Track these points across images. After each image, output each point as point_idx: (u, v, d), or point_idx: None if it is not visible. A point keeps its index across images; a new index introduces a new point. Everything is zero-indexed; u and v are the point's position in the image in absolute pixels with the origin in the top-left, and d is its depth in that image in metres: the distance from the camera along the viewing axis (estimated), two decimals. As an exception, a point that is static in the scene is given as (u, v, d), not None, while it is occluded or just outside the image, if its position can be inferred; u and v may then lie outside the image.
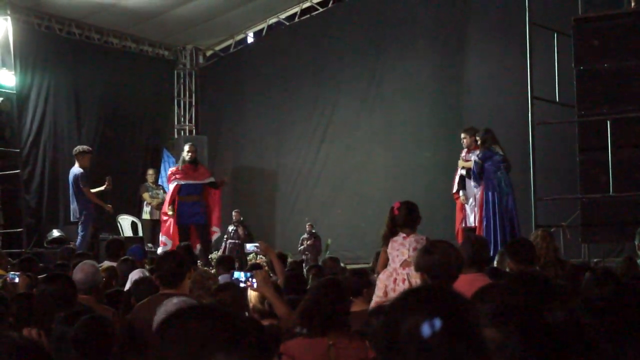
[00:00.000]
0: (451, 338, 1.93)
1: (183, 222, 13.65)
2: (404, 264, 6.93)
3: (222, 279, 8.43)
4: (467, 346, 1.93)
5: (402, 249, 6.98)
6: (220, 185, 14.09)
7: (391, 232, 7.07)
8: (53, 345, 4.12)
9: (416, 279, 6.82)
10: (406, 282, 6.88)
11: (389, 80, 16.95)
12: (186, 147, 13.97)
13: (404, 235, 7.03)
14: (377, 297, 6.79)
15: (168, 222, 13.81)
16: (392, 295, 6.80)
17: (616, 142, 10.58)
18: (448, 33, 16.26)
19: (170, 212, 13.72)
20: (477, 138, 11.88)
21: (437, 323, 1.92)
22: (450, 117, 15.80)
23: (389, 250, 7.06)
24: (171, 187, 13.83)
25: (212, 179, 14.00)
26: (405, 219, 7.05)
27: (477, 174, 11.66)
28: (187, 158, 13.75)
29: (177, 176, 13.70)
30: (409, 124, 16.43)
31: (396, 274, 6.94)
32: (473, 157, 11.96)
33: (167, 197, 14.04)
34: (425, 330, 1.92)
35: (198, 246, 13.61)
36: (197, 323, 2.63)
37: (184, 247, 9.72)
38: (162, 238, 14.01)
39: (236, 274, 5.44)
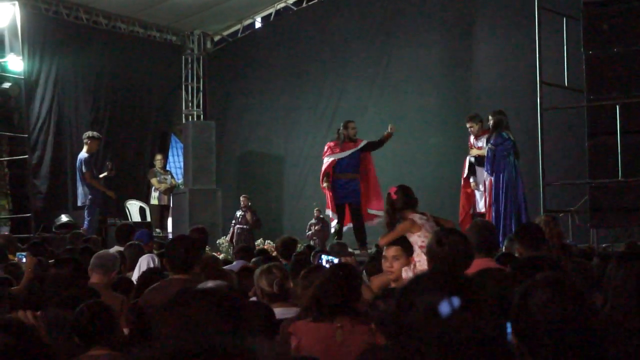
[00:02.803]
0: (470, 314, 1.93)
1: (338, 202, 13.05)
2: None
3: (238, 264, 8.51)
4: (485, 321, 1.94)
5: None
6: (385, 139, 13.11)
7: (392, 218, 7.00)
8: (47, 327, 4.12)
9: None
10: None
11: (397, 66, 16.90)
12: (351, 124, 13.20)
13: (425, 217, 6.89)
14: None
15: (327, 197, 13.26)
16: None
17: (625, 127, 10.55)
18: (456, 18, 16.19)
19: (325, 185, 13.08)
20: (490, 117, 11.76)
21: (455, 300, 1.93)
22: (458, 103, 15.75)
23: (428, 230, 6.88)
24: (327, 160, 13.13)
25: (365, 142, 13.14)
26: (406, 201, 6.98)
27: (491, 162, 11.49)
28: (351, 134, 13.04)
29: (337, 150, 13.04)
30: (416, 110, 16.39)
31: None
32: (487, 144, 11.88)
33: (322, 171, 13.25)
34: (444, 308, 1.93)
35: (344, 228, 13.09)
36: (201, 306, 2.64)
37: (197, 230, 9.75)
38: (328, 212, 13.55)
39: (326, 257, 5.49)
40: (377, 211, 12.83)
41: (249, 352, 1.40)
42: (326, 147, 13.29)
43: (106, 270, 6.26)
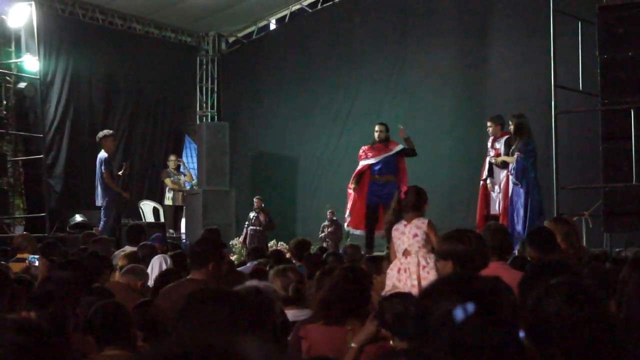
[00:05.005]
0: (484, 321, 1.94)
1: (371, 202, 12.91)
2: (405, 253, 6.95)
3: (251, 265, 8.52)
4: (499, 328, 1.95)
5: (402, 238, 7.01)
6: (409, 146, 13.04)
7: (396, 216, 7.10)
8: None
9: (415, 267, 6.89)
10: (408, 271, 6.89)
11: (412, 68, 16.90)
12: (376, 127, 13.21)
13: (405, 222, 7.03)
14: (387, 287, 6.80)
15: (350, 199, 13.23)
16: (397, 284, 6.82)
17: (640, 131, 10.50)
18: (471, 20, 16.18)
19: (353, 186, 13.09)
20: (510, 122, 11.71)
21: (470, 307, 1.94)
22: (472, 105, 15.74)
23: (393, 239, 7.09)
24: (361, 164, 13.14)
25: (400, 146, 13.09)
26: (413, 202, 7.05)
27: (521, 171, 11.37)
28: (375, 137, 13.09)
29: (370, 154, 13.07)
30: (431, 112, 16.38)
31: (399, 263, 6.96)
32: (505, 147, 11.82)
33: (354, 173, 13.27)
34: (459, 314, 1.94)
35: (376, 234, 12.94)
36: (216, 307, 2.66)
37: (210, 231, 9.78)
38: (346, 214, 13.50)
39: None
40: None
41: (246, 355, 1.41)
42: (361, 151, 13.30)
43: (135, 276, 6.46)
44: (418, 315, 2.05)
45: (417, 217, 7.02)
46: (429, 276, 6.74)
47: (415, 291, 6.53)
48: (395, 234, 7.06)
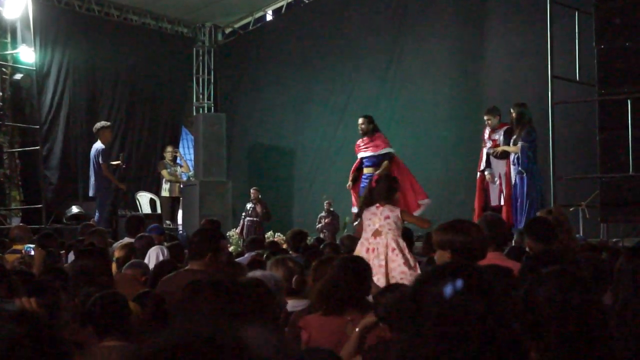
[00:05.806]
0: (471, 296, 1.95)
1: (360, 195, 12.84)
2: (375, 233, 7.04)
3: (249, 256, 8.53)
4: (486, 305, 1.95)
5: (373, 218, 7.13)
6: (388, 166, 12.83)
7: (367, 205, 7.25)
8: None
9: (383, 248, 7.00)
10: (375, 251, 6.97)
11: (409, 59, 16.88)
12: (359, 120, 13.28)
13: (378, 205, 7.16)
14: None
15: (353, 196, 13.35)
16: None
17: (636, 122, 10.49)
18: (468, 11, 16.15)
19: (349, 183, 13.26)
20: (511, 110, 11.71)
21: (459, 283, 1.95)
22: (470, 96, 15.73)
23: (363, 220, 7.25)
24: (358, 157, 13.25)
25: (386, 150, 13.04)
26: (383, 191, 7.19)
27: (526, 160, 11.41)
28: (359, 132, 13.16)
29: (361, 148, 13.18)
30: (428, 103, 16.38)
31: (367, 243, 7.06)
32: (504, 137, 11.81)
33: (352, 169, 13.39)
34: (448, 291, 1.95)
35: None
36: (214, 297, 2.67)
37: (212, 222, 9.79)
38: (353, 208, 13.50)
39: None
40: (422, 200, 12.64)
41: (242, 345, 1.41)
42: (356, 145, 13.33)
43: (141, 269, 6.62)
44: (410, 302, 2.05)
45: (389, 204, 7.19)
46: (397, 258, 6.93)
47: (382, 271, 6.72)
48: (366, 214, 7.23)
